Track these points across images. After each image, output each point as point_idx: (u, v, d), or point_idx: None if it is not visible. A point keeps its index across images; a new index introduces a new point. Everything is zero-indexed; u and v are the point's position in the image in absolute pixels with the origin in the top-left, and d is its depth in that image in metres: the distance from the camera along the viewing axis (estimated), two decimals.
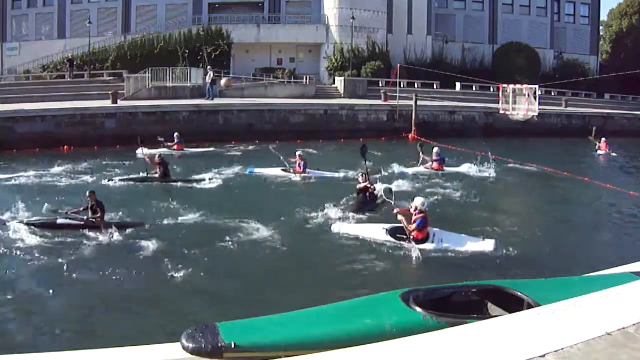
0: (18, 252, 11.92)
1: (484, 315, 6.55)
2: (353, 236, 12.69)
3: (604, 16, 65.62)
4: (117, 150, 27.61)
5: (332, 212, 14.90)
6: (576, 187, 21.55)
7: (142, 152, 21.69)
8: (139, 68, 39.15)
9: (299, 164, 21.23)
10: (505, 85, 35.20)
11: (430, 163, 22.76)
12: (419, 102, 36.25)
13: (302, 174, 21.10)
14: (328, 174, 21.89)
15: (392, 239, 12.12)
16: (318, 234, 13.47)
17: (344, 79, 42.49)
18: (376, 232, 12.55)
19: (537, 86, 34.12)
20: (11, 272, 10.94)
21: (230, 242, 12.69)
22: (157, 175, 19.83)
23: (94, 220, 13.32)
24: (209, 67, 38.47)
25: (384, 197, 14.46)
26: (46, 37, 51.66)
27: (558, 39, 57.40)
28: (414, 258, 11.39)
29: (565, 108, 43.62)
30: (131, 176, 20.25)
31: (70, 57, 44.32)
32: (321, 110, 35.94)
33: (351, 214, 14.82)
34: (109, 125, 31.24)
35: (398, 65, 41.10)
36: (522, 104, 33.63)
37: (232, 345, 5.17)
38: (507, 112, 34.62)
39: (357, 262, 11.38)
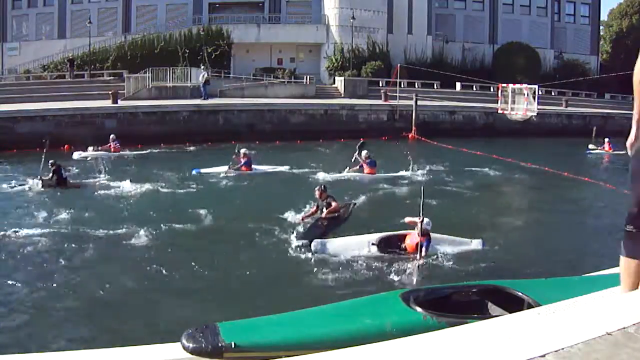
0: (16, 254, 11.97)
1: (485, 315, 6.55)
2: (337, 255, 11.61)
3: (604, 16, 65.78)
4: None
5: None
6: (576, 187, 21.57)
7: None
8: (140, 68, 39.15)
9: (244, 162, 21.49)
10: (504, 85, 35.22)
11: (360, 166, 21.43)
12: (419, 102, 36.27)
13: (249, 172, 21.56)
14: (272, 168, 22.58)
15: (384, 254, 11.47)
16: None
17: (345, 79, 42.51)
18: (363, 246, 11.74)
19: (536, 86, 34.14)
20: (8, 273, 10.95)
21: (215, 244, 12.93)
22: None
23: None
24: (202, 67, 38.52)
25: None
26: (47, 37, 51.72)
27: (558, 39, 57.44)
28: (410, 263, 11.04)
29: (565, 108, 43.67)
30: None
31: (70, 57, 44.34)
32: (321, 111, 35.97)
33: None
34: (109, 125, 31.24)
35: (398, 65, 41.17)
36: (521, 103, 33.65)
37: (233, 345, 5.17)
38: (505, 112, 34.64)
39: (349, 268, 11.03)
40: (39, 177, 19.07)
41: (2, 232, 13.20)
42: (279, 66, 46.39)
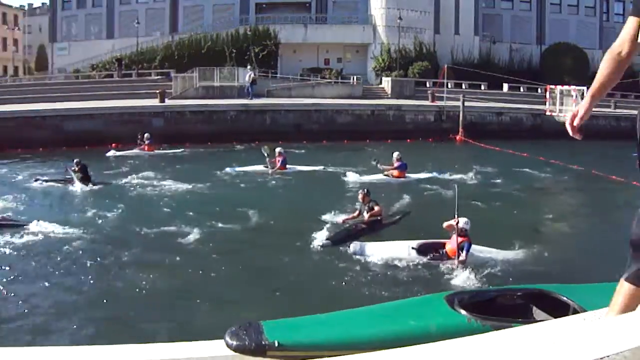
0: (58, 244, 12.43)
1: (529, 319, 6.52)
2: (376, 258, 11.47)
3: None
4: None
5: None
6: (624, 190, 20.86)
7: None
8: (187, 68, 39.52)
9: (278, 160, 21.63)
10: (552, 86, 34.47)
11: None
12: (466, 103, 35.72)
13: (284, 170, 21.73)
14: (308, 168, 22.54)
15: (425, 258, 11.29)
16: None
17: (391, 80, 42.15)
18: (403, 251, 11.55)
19: (585, 88, 33.30)
20: (53, 263, 11.38)
21: (255, 242, 13.10)
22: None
23: None
24: (249, 67, 38.57)
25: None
26: (95, 37, 52.67)
27: (607, 39, 56.02)
28: (452, 266, 10.87)
29: (614, 110, 42.59)
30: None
31: (118, 56, 45.09)
32: (368, 111, 35.66)
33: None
34: (156, 124, 31.52)
35: (445, 65, 40.58)
36: (569, 105, 32.89)
37: (276, 344, 5.16)
38: (553, 114, 33.90)
39: (390, 270, 10.94)
40: (64, 174, 19.78)
41: (43, 229, 13.52)
42: (325, 66, 46.25)
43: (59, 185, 19.47)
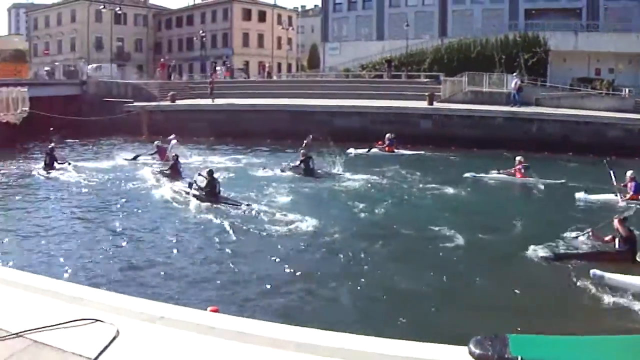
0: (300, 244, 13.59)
1: None
2: (619, 287, 10.68)
3: None
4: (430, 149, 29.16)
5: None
6: None
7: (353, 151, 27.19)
8: (455, 72, 39.78)
9: (519, 169, 21.56)
10: None
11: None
12: None
13: (522, 179, 21.55)
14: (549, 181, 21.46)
15: None
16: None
17: None
18: None
19: None
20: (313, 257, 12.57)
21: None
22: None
23: None
24: (515, 73, 37.95)
25: None
26: (365, 39, 55.10)
27: None
28: None
29: None
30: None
31: (388, 58, 46.67)
32: None
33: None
34: (424, 125, 32.39)
35: None
36: None
37: (519, 359, 4.90)
38: None
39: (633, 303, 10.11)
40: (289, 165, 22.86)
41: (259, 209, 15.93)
42: (596, 77, 43.91)
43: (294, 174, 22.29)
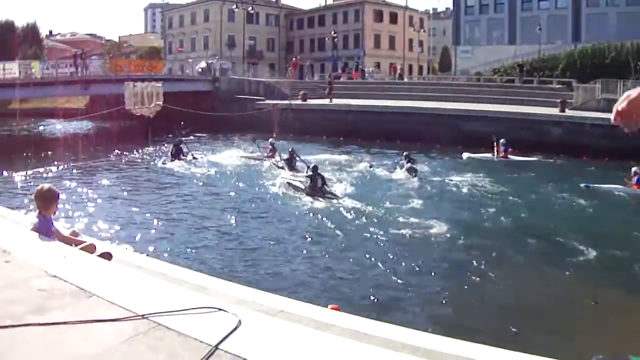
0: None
1: None
2: None
3: None
4: (561, 158, 28.84)
5: None
6: None
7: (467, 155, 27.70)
8: (589, 78, 38.88)
9: (636, 179, 20.72)
10: None
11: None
12: None
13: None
14: None
15: None
16: None
17: None
18: None
19: None
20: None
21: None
22: None
23: None
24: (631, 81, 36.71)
25: None
26: (497, 42, 55.04)
27: None
28: None
29: None
30: None
31: (520, 62, 46.13)
32: None
33: None
34: (555, 132, 31.99)
35: None
36: None
37: None
38: None
39: None
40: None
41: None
42: None
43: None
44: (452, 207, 18.52)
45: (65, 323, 2.94)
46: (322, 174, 19.61)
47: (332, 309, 4.95)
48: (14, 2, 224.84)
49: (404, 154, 24.02)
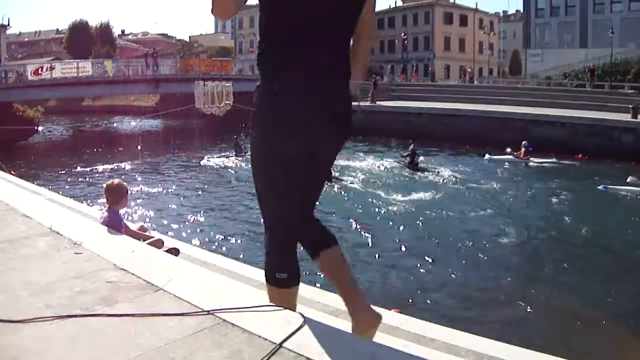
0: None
1: None
2: None
3: None
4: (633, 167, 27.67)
5: None
6: None
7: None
8: None
9: None
10: None
11: None
12: None
13: None
14: None
15: None
16: None
17: None
18: None
19: None
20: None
21: None
22: None
23: None
24: None
25: None
26: (568, 46, 54.50)
27: None
28: None
29: None
30: None
31: (591, 66, 45.19)
32: None
33: None
34: (626, 140, 31.36)
35: None
36: None
37: None
38: None
39: None
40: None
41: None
42: None
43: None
44: (528, 213, 18.59)
45: (132, 315, 2.98)
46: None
47: (394, 312, 4.81)
48: (88, 3, 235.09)
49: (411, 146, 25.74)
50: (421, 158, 25.84)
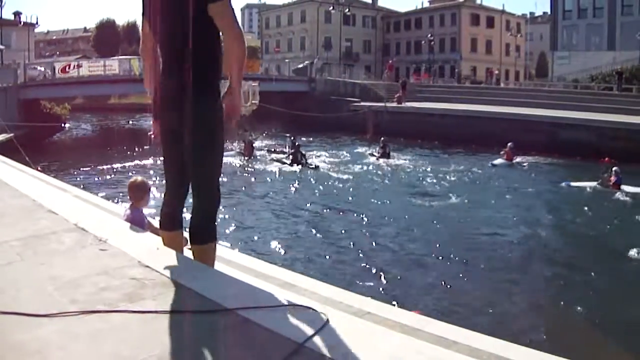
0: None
1: None
2: None
3: None
4: None
5: None
6: None
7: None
8: None
9: (615, 180, 20.99)
10: None
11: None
12: None
13: (616, 190, 20.72)
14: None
15: None
16: None
17: None
18: None
19: None
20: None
21: None
22: None
23: None
24: None
25: None
26: (596, 48, 53.83)
27: None
28: None
29: None
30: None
31: (619, 69, 44.76)
32: None
33: None
34: None
35: None
36: None
37: None
38: None
39: None
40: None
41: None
42: None
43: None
44: (548, 215, 18.43)
45: (156, 312, 2.99)
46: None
47: (416, 313, 4.80)
48: (116, 2, 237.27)
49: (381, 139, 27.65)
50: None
